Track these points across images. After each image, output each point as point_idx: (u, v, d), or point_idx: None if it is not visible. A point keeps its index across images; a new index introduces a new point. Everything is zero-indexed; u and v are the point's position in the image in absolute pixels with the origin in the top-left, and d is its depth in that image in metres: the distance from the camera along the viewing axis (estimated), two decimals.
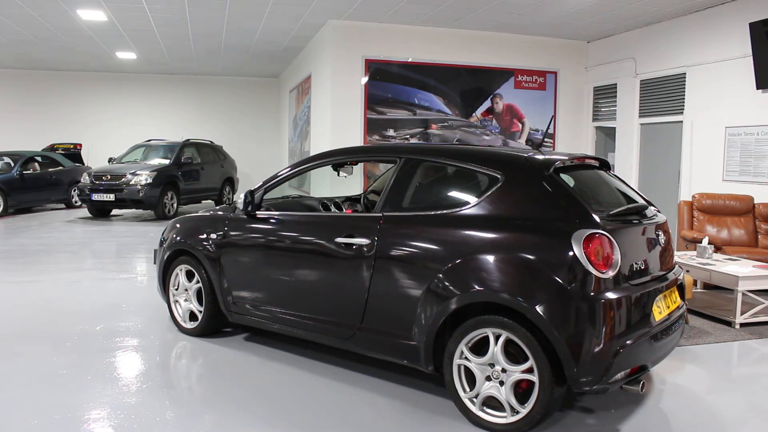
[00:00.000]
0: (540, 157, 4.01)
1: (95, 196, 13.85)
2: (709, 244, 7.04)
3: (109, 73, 19.23)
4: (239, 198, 5.09)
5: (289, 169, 5.18)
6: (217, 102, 20.15)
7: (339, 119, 11.57)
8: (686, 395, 4.47)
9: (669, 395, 4.41)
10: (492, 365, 3.67)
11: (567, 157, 4.11)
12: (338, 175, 5.41)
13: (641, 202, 4.38)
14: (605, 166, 4.59)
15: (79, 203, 16.12)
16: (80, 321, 5.95)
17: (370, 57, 11.65)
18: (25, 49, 15.27)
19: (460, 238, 3.86)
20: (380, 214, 4.28)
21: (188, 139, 16.25)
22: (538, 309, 3.46)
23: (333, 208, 5.90)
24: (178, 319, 5.58)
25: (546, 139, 12.67)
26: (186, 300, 5.50)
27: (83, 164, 17.79)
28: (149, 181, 13.77)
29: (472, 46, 12.07)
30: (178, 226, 5.61)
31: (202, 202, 16.62)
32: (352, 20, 11.41)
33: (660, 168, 10.98)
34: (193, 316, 5.48)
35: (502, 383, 3.65)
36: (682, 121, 10.32)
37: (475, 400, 3.75)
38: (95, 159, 18.08)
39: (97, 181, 13.90)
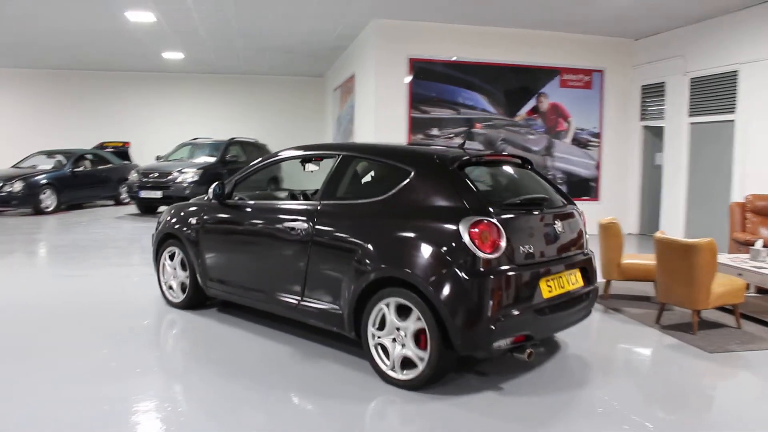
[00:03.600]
0: (447, 154, 4.66)
1: (143, 193, 14.12)
2: (763, 246, 6.85)
3: (157, 73, 19.57)
4: (210, 189, 5.86)
5: (255, 164, 5.86)
6: (261, 101, 20.35)
7: (383, 118, 11.58)
8: (734, 401, 4.36)
9: (731, 399, 4.31)
10: (394, 339, 4.31)
11: (474, 154, 4.73)
12: (304, 170, 5.76)
13: (551, 195, 4.96)
14: (528, 163, 5.25)
15: (127, 200, 16.45)
16: (129, 315, 6.08)
17: (414, 56, 11.63)
18: (76, 51, 15.66)
19: (376, 223, 4.55)
20: (318, 203, 4.99)
21: (233, 138, 16.42)
22: (430, 283, 4.06)
23: (300, 198, 6.27)
24: (168, 294, 6.37)
25: (593, 139, 12.49)
26: (174, 278, 6.26)
27: (131, 162, 18.15)
28: (195, 178, 13.98)
29: (517, 45, 11.96)
30: (170, 212, 6.39)
31: None
32: (395, 19, 11.41)
33: (710, 168, 10.72)
34: (183, 290, 6.21)
35: (403, 345, 4.26)
36: (734, 120, 10.06)
37: (393, 365, 4.32)
38: (143, 157, 18.41)
39: (145, 178, 14.18)
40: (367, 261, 4.44)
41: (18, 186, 14.13)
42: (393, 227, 4.42)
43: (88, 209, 15.94)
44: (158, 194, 13.97)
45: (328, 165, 5.27)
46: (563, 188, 12.27)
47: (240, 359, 4.87)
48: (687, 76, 11.10)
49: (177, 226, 6.15)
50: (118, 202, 17.05)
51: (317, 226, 4.87)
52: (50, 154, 16.04)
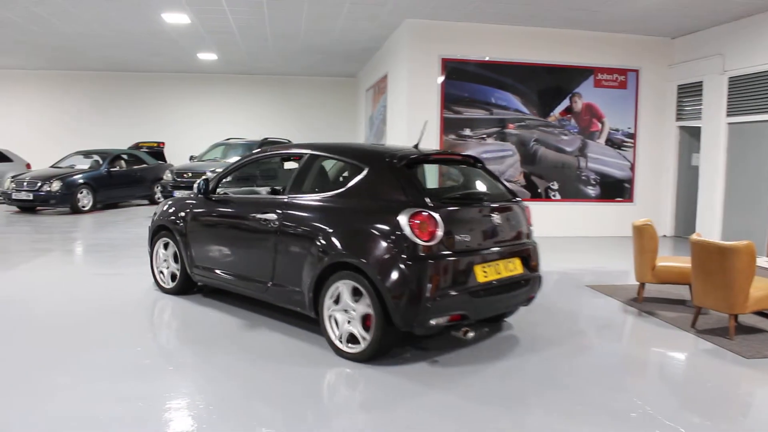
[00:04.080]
0: (397, 153, 5.13)
1: (177, 193, 14.28)
2: None
3: (191, 74, 19.81)
4: (195, 184, 6.46)
5: (234, 164, 6.48)
6: (294, 101, 20.48)
7: (415, 118, 11.56)
8: None
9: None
10: (346, 311, 4.84)
11: (421, 154, 5.25)
12: (283, 167, 6.15)
13: (495, 191, 5.52)
14: (478, 162, 5.76)
15: (161, 199, 16.65)
16: (162, 313, 6.14)
17: (447, 56, 11.60)
18: (113, 53, 15.92)
19: (330, 215, 5.09)
20: (286, 197, 5.55)
21: (266, 138, 16.54)
22: (374, 267, 4.59)
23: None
24: (160, 281, 6.97)
25: (627, 140, 12.31)
26: (166, 267, 6.84)
27: (166, 162, 18.39)
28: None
29: (551, 44, 11.85)
30: (163, 206, 7.01)
31: None
32: (428, 19, 11.39)
33: (749, 169, 10.49)
34: (173, 278, 6.79)
35: (349, 321, 4.83)
36: None
37: (341, 338, 4.89)
38: (177, 157, 18.66)
39: (179, 178, 14.34)
40: (325, 248, 4.96)
41: (56, 185, 14.41)
42: (347, 218, 4.99)
43: (124, 208, 16.19)
44: None
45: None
46: (597, 190, 12.15)
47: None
48: (725, 75, 10.88)
49: (168, 219, 6.77)
50: (153, 202, 17.28)
51: (284, 218, 5.42)
52: (87, 154, 16.33)
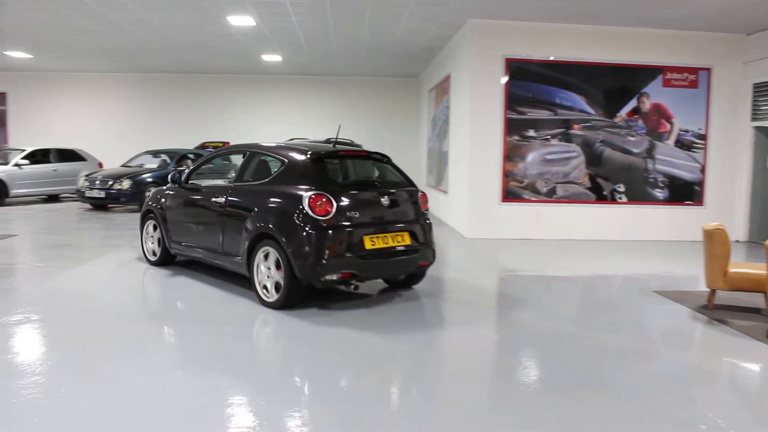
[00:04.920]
0: (310, 150, 6.57)
1: None
2: None
3: (256, 75, 20.13)
4: (169, 175, 8.12)
5: (202, 159, 8.12)
6: (357, 102, 20.57)
7: (478, 119, 11.47)
8: None
9: None
10: (269, 268, 6.30)
11: (328, 151, 6.69)
12: (231, 162, 7.99)
13: (392, 180, 6.97)
14: (385, 158, 7.16)
15: None
16: (234, 308, 6.26)
17: (510, 56, 11.46)
18: (180, 55, 16.33)
19: (259, 197, 6.53)
20: (231, 184, 7.17)
21: (329, 138, 16.64)
22: (283, 237, 6.06)
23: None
24: (147, 255, 8.56)
25: (698, 141, 11.91)
26: (152, 243, 8.46)
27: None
28: None
29: (617, 43, 11.57)
30: (150, 194, 8.77)
31: None
32: (491, 19, 11.28)
33: None
34: (153, 254, 8.43)
35: (269, 277, 6.32)
36: None
37: (263, 290, 6.39)
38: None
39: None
40: (253, 223, 6.42)
41: (126, 184, 14.88)
42: (269, 200, 6.39)
43: None
44: None
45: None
46: (665, 192, 11.80)
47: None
48: None
49: (152, 204, 8.39)
50: None
51: (229, 200, 6.91)
52: (156, 153, 16.79)
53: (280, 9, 11.06)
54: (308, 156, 6.46)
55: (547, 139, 11.58)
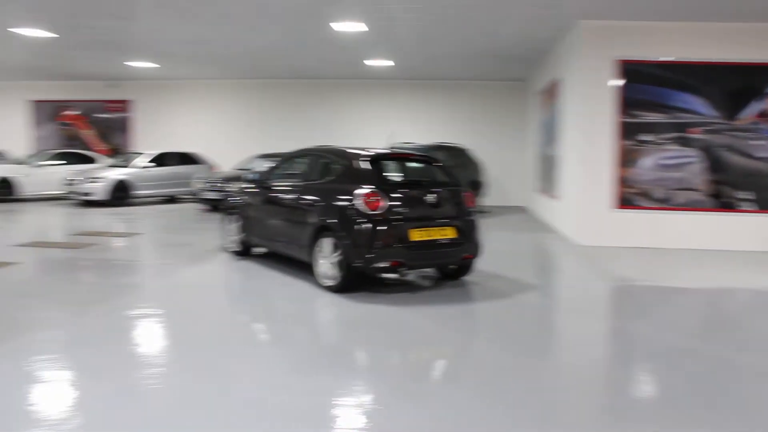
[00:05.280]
0: (366, 153, 7.47)
1: None
2: None
3: (363, 80, 20.39)
4: (249, 176, 9.75)
5: (279, 162, 9.18)
6: (464, 106, 20.43)
7: (589, 123, 11.16)
8: None
9: None
10: (327, 258, 7.11)
11: (382, 154, 7.85)
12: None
13: (438, 180, 7.90)
14: (434, 160, 8.24)
15: None
16: (342, 311, 6.38)
17: (624, 57, 11.07)
18: (290, 61, 16.80)
19: (321, 194, 7.43)
20: (299, 184, 8.04)
21: (438, 143, 16.63)
22: (341, 229, 6.91)
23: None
24: (230, 247, 9.51)
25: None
26: (235, 236, 9.34)
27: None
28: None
29: (741, 40, 10.92)
30: (234, 194, 10.05)
31: None
32: (603, 19, 10.94)
33: None
34: (238, 245, 9.35)
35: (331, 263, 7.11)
36: None
37: (324, 276, 7.20)
38: None
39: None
40: (316, 217, 7.34)
41: (238, 186, 15.42)
42: (330, 196, 7.26)
43: None
44: None
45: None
46: None
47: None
48: None
49: (236, 201, 9.55)
50: None
51: (297, 198, 7.87)
52: (266, 157, 17.31)
53: (389, 14, 11.16)
54: (364, 158, 7.36)
55: (663, 144, 11.10)
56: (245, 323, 6.23)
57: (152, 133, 21.33)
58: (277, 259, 8.84)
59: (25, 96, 21.88)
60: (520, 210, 18.04)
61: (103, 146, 21.50)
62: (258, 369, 4.69)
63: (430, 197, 7.16)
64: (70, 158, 18.79)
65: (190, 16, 11.54)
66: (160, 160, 18.11)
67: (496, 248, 9.84)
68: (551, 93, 14.39)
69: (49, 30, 12.83)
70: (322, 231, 7.18)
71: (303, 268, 7.88)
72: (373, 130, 20.14)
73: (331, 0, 10.36)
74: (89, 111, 21.80)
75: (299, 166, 8.53)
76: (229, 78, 20.57)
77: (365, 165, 7.22)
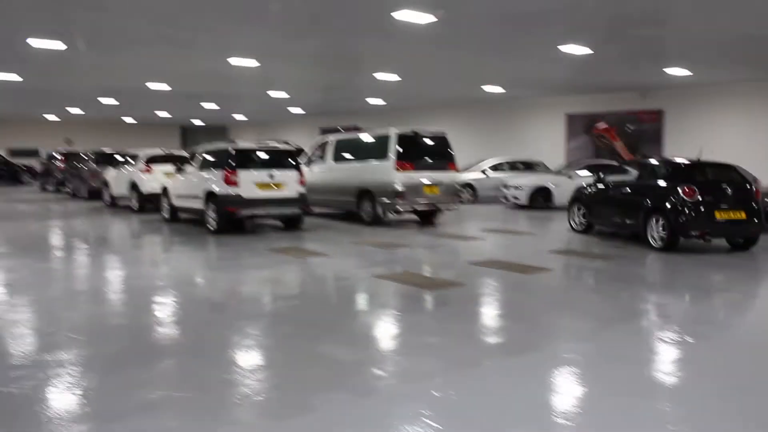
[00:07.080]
0: (685, 161, 11.28)
1: None
2: None
3: None
4: (593, 177, 13.89)
5: (615, 168, 13.52)
6: None
7: None
8: None
9: None
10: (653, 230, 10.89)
11: (695, 161, 11.27)
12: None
13: (735, 178, 11.09)
14: (733, 167, 11.71)
15: None
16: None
17: None
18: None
19: (649, 189, 11.22)
20: (631, 181, 12.06)
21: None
22: (667, 210, 10.47)
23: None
24: (574, 226, 13.51)
25: None
26: (578, 219, 13.41)
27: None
28: None
29: None
30: (577, 188, 13.90)
31: None
32: None
33: None
34: (580, 225, 13.41)
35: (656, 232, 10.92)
36: None
37: (652, 239, 10.86)
38: None
39: None
40: (647, 202, 10.99)
41: None
42: (659, 189, 10.87)
43: None
44: None
45: None
46: None
47: None
48: None
49: (579, 194, 13.37)
50: None
51: (630, 190, 11.79)
52: None
53: None
54: (683, 165, 10.99)
55: None
56: None
57: (682, 143, 20.18)
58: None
59: (563, 110, 23.38)
60: None
61: (631, 157, 21.37)
62: None
63: (727, 189, 10.49)
64: (601, 170, 19.13)
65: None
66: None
67: None
68: None
69: (587, 46, 13.20)
70: (653, 212, 10.68)
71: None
72: None
73: None
74: (618, 122, 22.08)
75: (638, 169, 11.90)
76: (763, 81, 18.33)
77: (683, 169, 10.94)
